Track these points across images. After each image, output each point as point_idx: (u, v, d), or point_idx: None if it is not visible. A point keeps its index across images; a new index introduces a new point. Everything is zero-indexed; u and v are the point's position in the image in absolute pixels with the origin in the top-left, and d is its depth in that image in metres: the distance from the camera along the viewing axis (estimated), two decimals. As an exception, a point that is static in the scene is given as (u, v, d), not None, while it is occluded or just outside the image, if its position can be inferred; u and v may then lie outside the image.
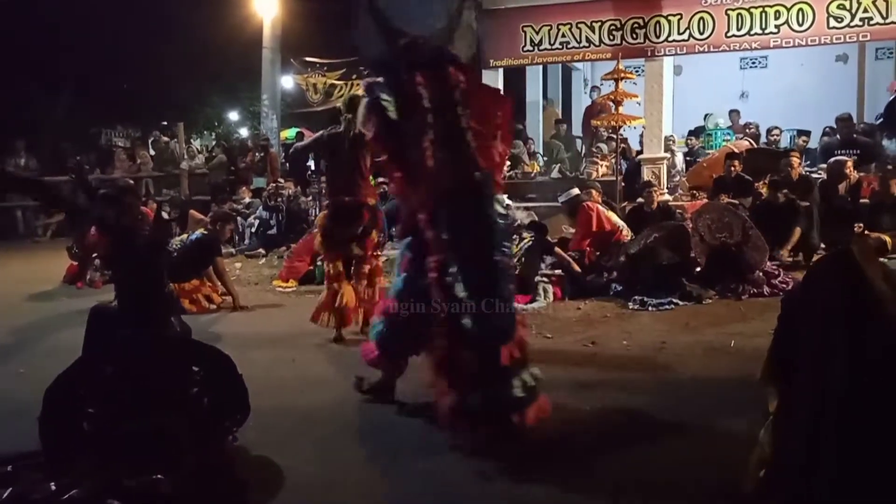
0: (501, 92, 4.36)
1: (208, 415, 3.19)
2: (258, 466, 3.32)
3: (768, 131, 11.20)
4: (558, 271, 7.26)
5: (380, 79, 3.81)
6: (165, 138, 15.47)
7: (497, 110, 3.83)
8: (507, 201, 8.67)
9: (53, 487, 2.85)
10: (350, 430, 3.80)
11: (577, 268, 7.29)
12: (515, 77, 13.82)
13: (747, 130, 11.74)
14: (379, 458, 3.44)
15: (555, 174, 11.41)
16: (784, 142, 11.22)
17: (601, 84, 12.61)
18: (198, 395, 3.20)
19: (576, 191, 8.12)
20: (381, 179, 8.24)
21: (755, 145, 10.84)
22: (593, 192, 8.24)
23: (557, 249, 7.40)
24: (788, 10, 10.03)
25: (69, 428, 3.07)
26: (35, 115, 17.29)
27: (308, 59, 14.79)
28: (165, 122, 16.66)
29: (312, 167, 15.10)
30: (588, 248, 7.68)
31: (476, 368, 3.42)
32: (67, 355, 3.51)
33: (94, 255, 8.28)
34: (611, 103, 9.80)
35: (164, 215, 11.54)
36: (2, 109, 17.26)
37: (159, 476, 2.82)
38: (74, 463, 2.96)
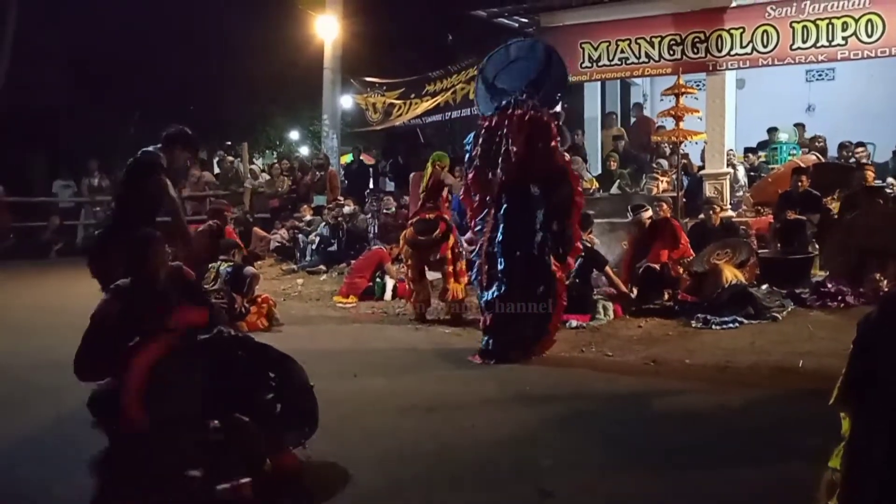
0: (545, 118, 5.64)
1: (279, 422, 3.25)
2: (324, 476, 3.37)
3: (842, 146, 10.83)
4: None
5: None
6: (230, 158, 15.93)
7: (543, 132, 5.50)
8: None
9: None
10: (413, 443, 3.84)
11: (624, 289, 7.19)
12: (573, 93, 13.76)
13: (816, 144, 11.41)
14: (440, 471, 3.47)
15: (614, 190, 11.30)
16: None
17: (661, 99, 12.44)
18: (271, 401, 3.25)
19: (648, 213, 7.86)
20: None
21: (822, 160, 10.53)
22: (664, 205, 8.09)
23: (607, 269, 7.28)
24: (857, 21, 9.72)
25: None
26: (107, 136, 18.07)
27: (367, 78, 15.04)
28: (230, 143, 17.15)
29: (371, 186, 15.34)
30: (671, 262, 7.48)
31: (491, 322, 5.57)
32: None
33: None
34: (656, 120, 9.61)
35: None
36: (78, 132, 18.13)
37: (246, 480, 2.90)
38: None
